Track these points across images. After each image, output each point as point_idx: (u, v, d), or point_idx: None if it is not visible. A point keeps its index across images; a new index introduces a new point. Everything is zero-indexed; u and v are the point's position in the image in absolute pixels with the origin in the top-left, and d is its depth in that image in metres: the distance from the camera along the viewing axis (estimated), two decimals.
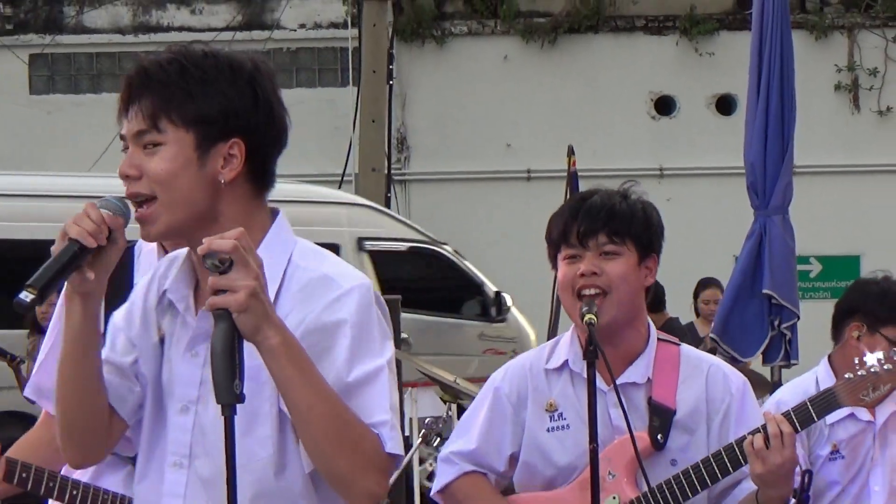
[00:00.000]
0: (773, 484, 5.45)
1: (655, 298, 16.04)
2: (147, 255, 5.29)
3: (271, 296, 4.51)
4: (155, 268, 4.62)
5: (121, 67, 24.05)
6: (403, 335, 14.23)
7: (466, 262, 20.16)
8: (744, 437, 5.50)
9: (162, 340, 4.52)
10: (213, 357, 4.15)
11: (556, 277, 5.81)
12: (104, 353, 4.48)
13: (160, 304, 4.54)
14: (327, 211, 18.86)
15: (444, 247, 20.52)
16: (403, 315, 13.60)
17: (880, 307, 7.28)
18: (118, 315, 4.58)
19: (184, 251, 4.52)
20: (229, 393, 4.10)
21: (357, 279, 4.40)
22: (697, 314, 15.65)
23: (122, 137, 4.42)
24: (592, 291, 5.52)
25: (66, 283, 4.36)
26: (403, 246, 19.64)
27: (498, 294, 19.86)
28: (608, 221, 5.61)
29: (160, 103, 4.36)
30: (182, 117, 4.36)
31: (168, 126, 4.35)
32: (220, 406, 4.17)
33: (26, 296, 4.27)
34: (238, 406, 4.20)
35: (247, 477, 4.38)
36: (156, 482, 4.51)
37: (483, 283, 20.04)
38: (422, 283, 20.73)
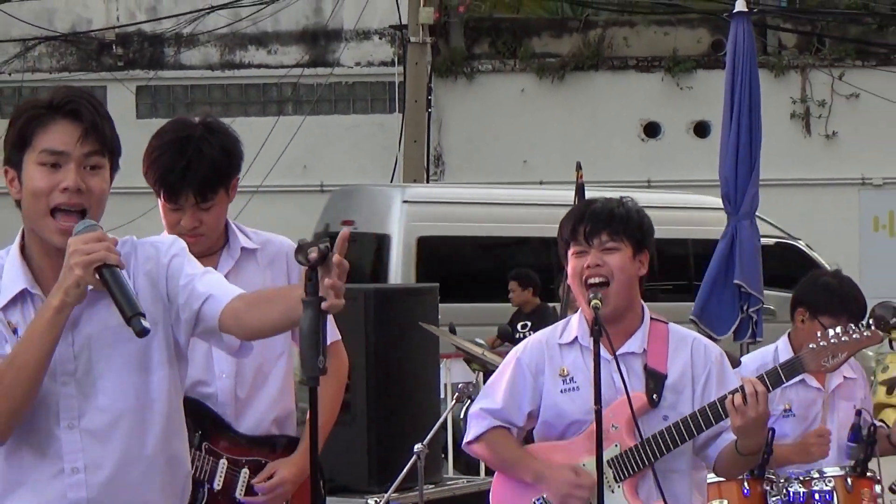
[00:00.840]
0: (749, 434, 5.42)
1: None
2: None
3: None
4: None
5: (210, 96, 24.09)
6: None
7: (817, 255, 19.90)
8: (724, 397, 5.46)
9: (15, 331, 4.22)
10: (302, 337, 3.99)
11: (564, 272, 5.92)
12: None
13: (5, 306, 4.23)
14: (709, 216, 17.74)
15: (799, 242, 20.15)
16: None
17: (820, 300, 7.36)
18: None
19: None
20: (314, 367, 4.00)
21: None
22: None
23: (62, 154, 4.20)
24: (597, 280, 5.53)
25: (56, 299, 4.08)
26: (770, 241, 18.48)
27: None
28: (609, 223, 5.61)
29: None
30: None
31: None
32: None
33: (144, 322, 4.07)
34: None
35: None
36: (44, 444, 4.20)
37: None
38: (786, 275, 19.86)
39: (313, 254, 3.92)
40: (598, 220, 5.69)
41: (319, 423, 4.86)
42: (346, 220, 18.57)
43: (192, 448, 5.36)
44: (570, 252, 5.71)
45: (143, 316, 4.01)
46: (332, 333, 5.59)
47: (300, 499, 5.76)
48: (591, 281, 5.60)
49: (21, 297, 4.22)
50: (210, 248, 5.54)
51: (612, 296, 5.61)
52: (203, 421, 5.56)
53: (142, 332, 4.02)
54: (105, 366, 4.22)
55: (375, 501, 7.99)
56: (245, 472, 5.60)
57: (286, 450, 5.77)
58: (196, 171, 5.44)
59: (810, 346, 5.93)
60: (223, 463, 5.56)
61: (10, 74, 24.50)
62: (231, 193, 5.58)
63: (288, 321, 4.16)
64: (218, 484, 5.55)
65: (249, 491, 5.64)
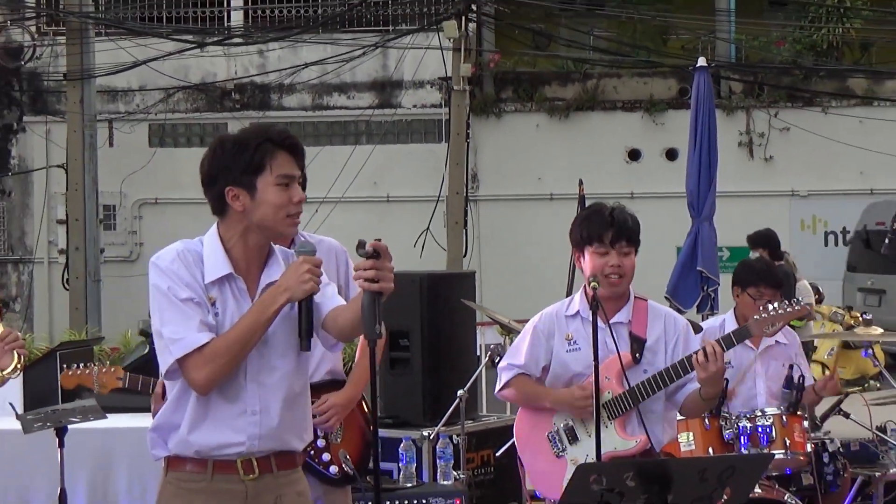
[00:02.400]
0: (710, 383, 5.48)
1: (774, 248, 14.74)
2: None
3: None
4: (175, 265, 4.23)
5: (304, 131, 23.93)
6: None
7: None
8: (690, 355, 5.51)
9: (214, 303, 4.24)
10: (363, 310, 4.03)
11: (574, 256, 5.80)
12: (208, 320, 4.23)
13: (210, 283, 4.23)
14: None
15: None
16: None
17: (744, 275, 7.48)
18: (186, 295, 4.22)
19: (194, 250, 4.28)
20: (372, 333, 4.05)
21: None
22: None
23: (292, 178, 4.29)
24: (616, 278, 5.62)
25: (283, 299, 4.14)
26: None
27: None
28: (629, 233, 5.67)
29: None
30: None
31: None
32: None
33: (309, 342, 4.23)
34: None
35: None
36: (233, 392, 4.22)
37: None
38: None
39: (370, 248, 3.99)
40: (622, 229, 5.69)
41: (365, 363, 5.41)
42: (879, 221, 18.98)
43: None
44: (591, 250, 5.69)
45: (310, 338, 4.22)
46: None
47: (350, 424, 5.76)
48: (613, 276, 5.65)
49: (223, 279, 4.26)
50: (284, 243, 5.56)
51: (622, 286, 5.68)
52: None
53: (306, 349, 4.27)
54: (275, 338, 4.25)
55: (428, 433, 7.99)
56: None
57: (335, 388, 5.78)
58: None
59: (755, 317, 5.89)
60: None
61: (156, 114, 24.51)
62: None
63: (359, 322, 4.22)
64: None
65: None
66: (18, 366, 5.15)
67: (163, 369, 4.22)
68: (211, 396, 4.21)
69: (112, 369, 6.21)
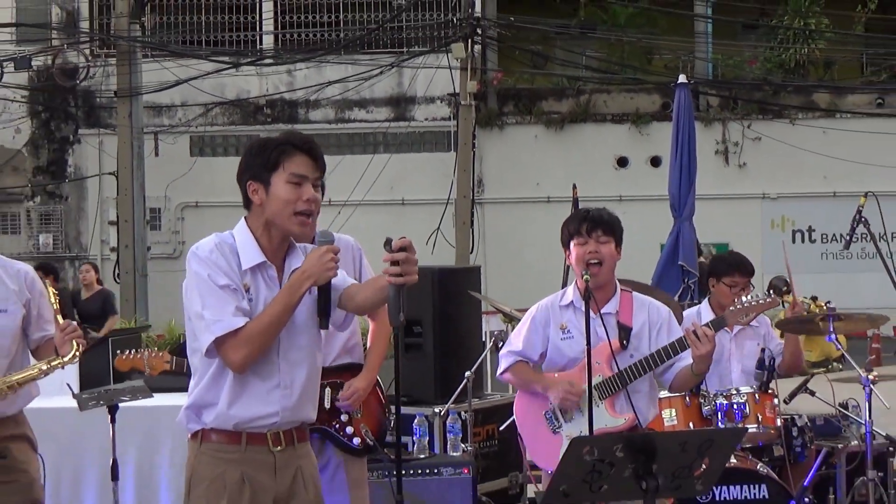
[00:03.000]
0: (703, 360, 5.47)
1: None
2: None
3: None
4: (214, 256, 4.21)
5: (328, 141, 23.75)
6: None
7: None
8: (679, 340, 5.55)
9: (248, 289, 4.22)
10: (389, 300, 4.04)
11: (565, 255, 5.80)
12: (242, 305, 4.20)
13: (246, 270, 4.21)
14: None
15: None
16: None
17: (719, 267, 7.43)
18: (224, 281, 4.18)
19: (228, 242, 4.23)
20: (396, 319, 4.03)
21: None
22: None
23: (304, 178, 4.22)
24: (594, 261, 5.58)
25: (309, 283, 4.13)
26: None
27: None
28: (602, 224, 5.68)
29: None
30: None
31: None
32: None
33: (328, 323, 4.23)
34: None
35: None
36: (266, 369, 4.21)
37: None
38: None
39: (395, 245, 3.96)
40: (596, 221, 5.68)
41: (378, 351, 5.58)
42: None
43: None
44: (574, 243, 5.67)
45: (329, 318, 4.23)
46: None
47: (367, 403, 5.80)
48: (591, 261, 5.60)
49: (257, 267, 4.24)
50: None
51: (603, 272, 5.62)
52: None
53: (325, 328, 4.28)
54: (300, 319, 4.25)
55: (439, 410, 7.98)
56: (328, 389, 5.62)
57: (352, 372, 5.80)
58: None
59: (729, 308, 5.90)
60: None
61: (196, 127, 24.57)
62: None
63: (378, 299, 4.22)
64: None
65: (332, 402, 5.61)
66: (77, 353, 5.15)
67: (202, 347, 4.20)
68: (247, 374, 4.20)
69: (160, 354, 6.20)
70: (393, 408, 5.80)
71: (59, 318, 5.21)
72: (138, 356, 6.17)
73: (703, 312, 7.38)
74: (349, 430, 5.69)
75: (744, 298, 5.87)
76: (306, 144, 4.26)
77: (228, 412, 4.23)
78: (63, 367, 5.19)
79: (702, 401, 6.95)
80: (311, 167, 4.23)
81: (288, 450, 4.30)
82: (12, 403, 5.19)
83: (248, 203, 4.29)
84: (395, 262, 3.98)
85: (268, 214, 4.23)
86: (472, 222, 23.01)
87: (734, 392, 6.96)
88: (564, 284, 8.48)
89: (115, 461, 6.64)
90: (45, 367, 5.17)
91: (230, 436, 4.26)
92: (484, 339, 10.06)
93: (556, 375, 5.81)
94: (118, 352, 6.12)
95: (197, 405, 4.29)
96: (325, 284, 4.18)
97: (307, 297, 4.22)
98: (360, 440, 5.71)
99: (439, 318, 8.37)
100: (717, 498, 6.74)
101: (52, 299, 5.25)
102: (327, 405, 5.60)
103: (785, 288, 16.80)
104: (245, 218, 4.33)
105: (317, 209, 4.25)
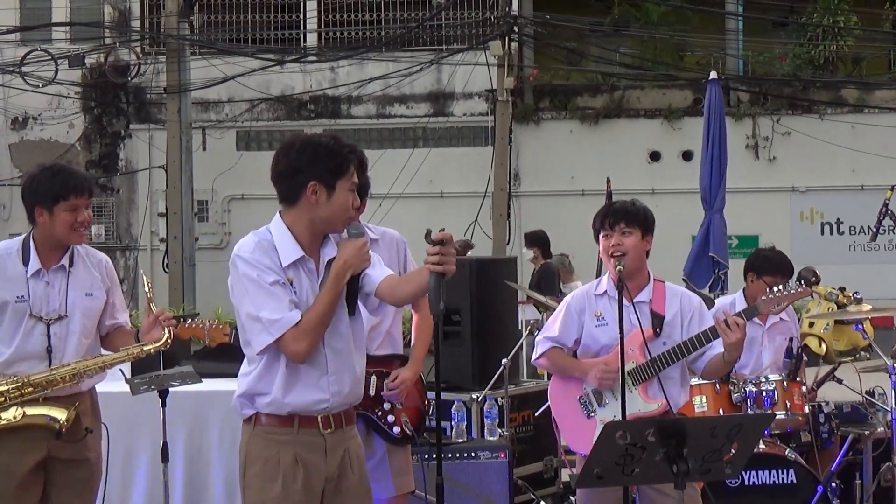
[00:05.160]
0: (735, 347, 5.43)
1: (545, 247, 15.06)
2: None
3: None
4: (258, 254, 4.24)
5: (370, 136, 24.03)
6: None
7: None
8: (707, 329, 5.53)
9: (291, 283, 4.26)
10: (430, 290, 4.07)
11: (598, 247, 5.80)
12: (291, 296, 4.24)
13: (287, 266, 4.24)
14: None
15: None
16: None
17: (762, 265, 7.43)
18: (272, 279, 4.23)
19: (266, 238, 4.27)
20: (437, 308, 4.08)
21: None
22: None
23: (356, 186, 4.37)
24: (618, 253, 5.57)
25: (347, 275, 4.23)
26: None
27: None
28: (625, 216, 5.65)
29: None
30: None
31: None
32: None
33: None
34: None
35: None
36: (315, 358, 4.27)
37: None
38: None
39: (435, 237, 4.00)
40: (618, 214, 5.68)
41: (423, 343, 5.62)
42: None
43: None
44: (601, 236, 5.69)
45: (356, 305, 4.33)
46: None
47: (409, 398, 5.86)
48: (615, 254, 5.59)
49: (297, 262, 4.29)
50: None
51: (627, 263, 5.59)
52: None
53: (353, 314, 4.36)
54: (340, 311, 4.32)
55: (476, 396, 7.99)
56: (373, 378, 5.66)
57: (396, 363, 5.83)
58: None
59: (762, 297, 5.85)
60: None
61: (242, 122, 24.63)
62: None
63: (420, 291, 4.25)
64: None
65: (377, 390, 5.65)
66: (168, 339, 5.24)
67: (257, 347, 4.25)
68: (300, 365, 4.25)
69: (222, 325, 6.13)
70: (431, 395, 5.82)
71: (153, 305, 5.30)
72: (200, 326, 6.17)
73: (737, 302, 7.38)
74: (390, 418, 5.74)
75: (775, 288, 5.85)
76: (362, 158, 4.40)
77: (283, 400, 4.30)
78: (153, 352, 5.28)
79: (731, 388, 6.96)
80: (358, 178, 4.38)
81: (337, 432, 4.36)
82: (90, 380, 5.31)
83: (293, 198, 4.31)
84: (436, 252, 4.01)
85: (323, 214, 4.30)
86: (508, 215, 22.92)
87: (763, 380, 6.96)
88: (598, 274, 8.52)
89: (165, 444, 6.69)
90: (136, 351, 5.28)
91: (283, 419, 4.32)
92: (520, 328, 10.07)
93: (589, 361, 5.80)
94: (181, 320, 6.13)
95: (250, 393, 4.35)
96: (356, 274, 4.28)
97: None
98: (399, 429, 5.75)
99: (477, 308, 8.37)
100: (747, 482, 6.75)
101: (147, 287, 5.33)
102: (372, 392, 5.63)
103: (814, 279, 16.78)
104: (280, 213, 4.36)
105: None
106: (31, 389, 5.08)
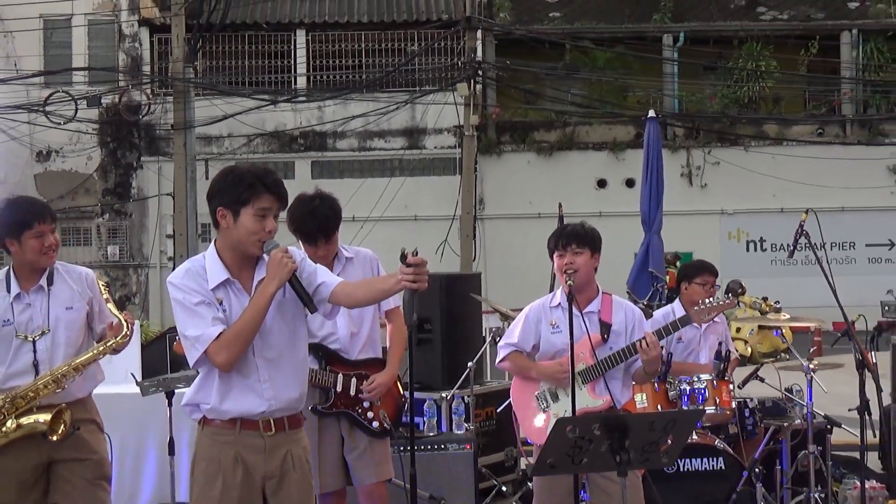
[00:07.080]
0: (650, 364, 5.45)
1: None
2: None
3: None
4: (186, 279, 4.13)
5: (352, 167, 23.79)
6: None
7: None
8: (630, 345, 5.50)
9: (221, 303, 4.13)
10: (404, 303, 4.02)
11: (552, 264, 5.75)
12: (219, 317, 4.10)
13: (214, 288, 4.13)
14: None
15: None
16: None
17: (690, 271, 7.42)
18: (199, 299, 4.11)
19: (199, 263, 4.15)
20: (411, 320, 4.02)
21: None
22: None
23: (268, 209, 4.15)
24: (570, 271, 5.51)
25: (272, 287, 4.05)
26: None
27: None
28: (576, 238, 5.59)
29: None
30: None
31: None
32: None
33: (314, 307, 4.12)
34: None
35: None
36: (246, 367, 4.14)
37: None
38: None
39: (410, 261, 3.93)
40: (570, 236, 5.63)
41: (397, 349, 5.58)
42: None
43: (319, 369, 5.48)
44: (555, 255, 5.64)
45: (313, 302, 4.12)
46: (395, 301, 5.55)
47: (387, 396, 5.79)
48: (568, 271, 5.55)
49: (224, 283, 4.15)
50: (329, 260, 5.53)
51: (578, 278, 5.56)
52: (326, 354, 5.58)
53: (314, 311, 4.16)
54: (271, 322, 4.17)
55: (446, 394, 7.95)
56: (353, 379, 5.60)
57: (375, 366, 5.78)
58: (322, 226, 5.47)
59: (695, 308, 5.85)
60: (339, 376, 5.55)
61: (240, 155, 24.52)
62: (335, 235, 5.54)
63: (377, 296, 4.21)
64: (339, 388, 5.55)
65: (357, 391, 5.62)
66: (129, 333, 5.09)
67: (191, 362, 4.16)
68: (231, 374, 4.15)
69: None
70: (407, 393, 5.79)
71: (112, 306, 5.17)
72: None
73: (676, 310, 7.33)
74: (370, 415, 5.70)
75: (706, 300, 5.85)
76: (274, 186, 4.15)
77: (221, 407, 4.19)
78: (115, 348, 5.11)
79: (668, 386, 6.95)
80: (275, 202, 4.14)
81: (279, 434, 4.23)
82: (81, 387, 5.16)
83: (215, 223, 4.21)
84: (410, 272, 3.96)
85: (234, 238, 4.15)
86: (474, 235, 22.95)
87: (695, 379, 6.93)
88: (552, 288, 8.51)
89: (171, 439, 6.66)
90: (101, 349, 5.11)
91: (226, 422, 4.21)
92: (484, 335, 9.97)
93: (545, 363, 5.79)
94: (175, 339, 6.09)
95: (193, 402, 4.27)
96: (294, 278, 4.11)
97: (279, 302, 4.17)
98: (378, 424, 5.72)
99: (446, 317, 8.34)
100: (682, 469, 6.75)
101: (102, 289, 5.21)
102: (352, 393, 5.61)
103: (740, 290, 16.83)
104: (215, 239, 4.26)
105: (273, 234, 4.19)
106: (22, 402, 4.97)
